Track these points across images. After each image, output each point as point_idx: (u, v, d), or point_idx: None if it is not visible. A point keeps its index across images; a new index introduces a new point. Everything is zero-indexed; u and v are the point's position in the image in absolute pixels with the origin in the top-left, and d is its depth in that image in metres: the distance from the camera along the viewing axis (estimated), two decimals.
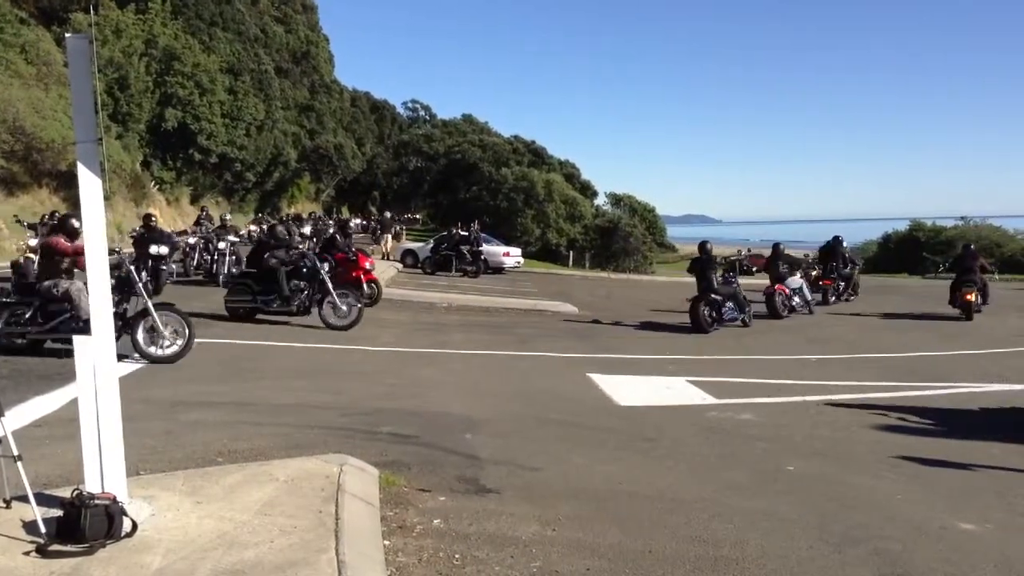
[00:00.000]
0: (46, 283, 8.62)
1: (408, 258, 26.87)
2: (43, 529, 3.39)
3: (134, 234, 16.17)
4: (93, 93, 3.72)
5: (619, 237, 42.53)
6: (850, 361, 10.85)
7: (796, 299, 15.86)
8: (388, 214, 37.95)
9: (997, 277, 22.32)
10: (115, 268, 8.47)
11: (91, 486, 3.65)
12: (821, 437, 6.57)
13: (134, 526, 3.53)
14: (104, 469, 3.71)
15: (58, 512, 3.46)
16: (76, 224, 8.93)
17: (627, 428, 6.63)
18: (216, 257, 17.75)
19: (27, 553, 3.30)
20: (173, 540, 3.50)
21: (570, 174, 56.49)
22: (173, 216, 38.17)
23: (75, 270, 8.76)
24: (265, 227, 21.83)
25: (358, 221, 55.20)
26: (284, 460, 4.85)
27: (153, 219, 16.26)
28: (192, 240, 18.93)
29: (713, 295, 13.32)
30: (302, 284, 11.96)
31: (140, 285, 8.66)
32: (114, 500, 3.52)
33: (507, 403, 7.47)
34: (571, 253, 41.29)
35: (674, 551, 3.95)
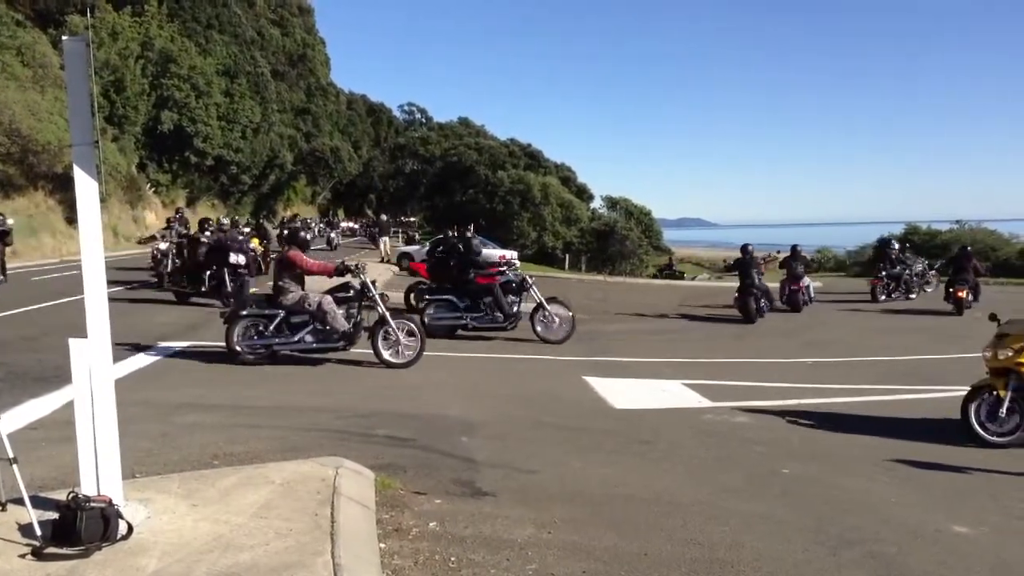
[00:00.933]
0: (291, 295, 8.96)
1: (404, 260, 26.89)
2: (39, 532, 3.39)
3: (206, 240, 15.20)
4: (89, 95, 3.72)
5: (615, 240, 42.56)
6: (846, 364, 10.87)
7: (805, 296, 17.80)
8: (384, 217, 37.99)
9: (991, 281, 22.46)
10: (350, 274, 9.29)
11: (87, 489, 3.65)
12: (816, 440, 6.59)
13: (130, 529, 3.52)
14: (100, 472, 3.71)
15: (54, 515, 3.46)
16: (307, 236, 9.63)
17: (623, 431, 6.63)
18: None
19: (23, 556, 3.30)
20: (169, 543, 3.50)
21: (566, 177, 56.51)
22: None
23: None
24: (246, 230, 21.29)
25: (348, 224, 55.13)
26: (280, 463, 4.85)
27: (210, 224, 15.86)
28: (163, 246, 17.07)
29: (755, 290, 15.38)
30: (519, 299, 11.98)
31: (378, 295, 9.17)
32: (110, 503, 3.51)
33: (503, 406, 7.47)
34: (567, 256, 41.29)
35: (670, 554, 3.96)
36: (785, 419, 7.27)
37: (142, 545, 3.46)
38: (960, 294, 16.51)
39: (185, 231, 19.27)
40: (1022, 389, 6.37)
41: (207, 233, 15.65)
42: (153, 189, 40.33)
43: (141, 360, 8.87)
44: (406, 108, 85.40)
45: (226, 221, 22.64)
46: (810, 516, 4.62)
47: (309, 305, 8.91)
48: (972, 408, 6.47)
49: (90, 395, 3.70)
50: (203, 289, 13.96)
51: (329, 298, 9.03)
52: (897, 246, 20.57)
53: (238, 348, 8.95)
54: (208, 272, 13.94)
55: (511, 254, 29.31)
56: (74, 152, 3.69)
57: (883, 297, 19.05)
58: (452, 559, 3.77)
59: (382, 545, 3.86)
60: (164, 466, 4.89)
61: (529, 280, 12.13)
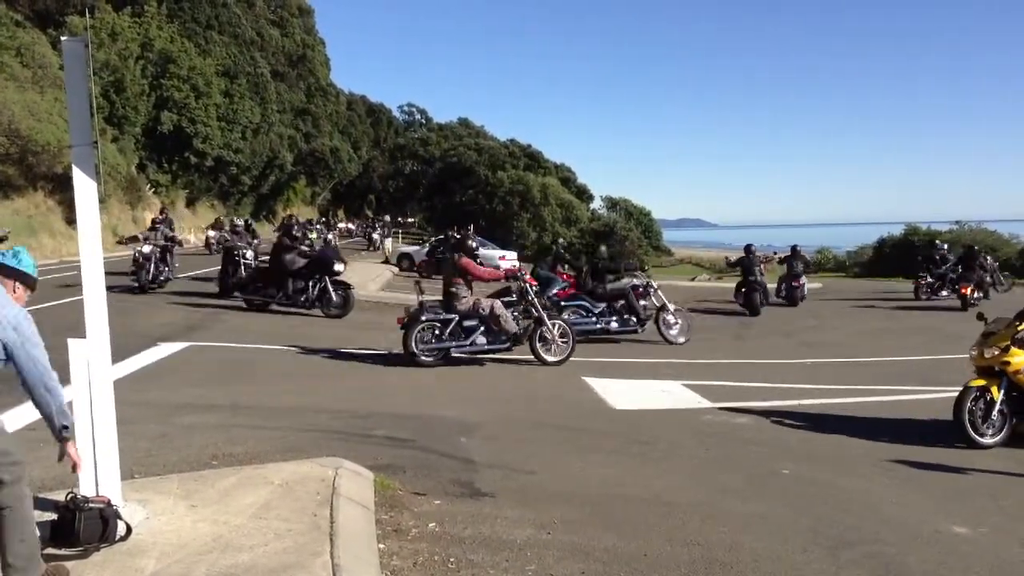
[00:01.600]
0: (464, 300, 9.44)
1: (404, 261, 26.91)
2: (37, 532, 3.38)
3: (307, 249, 14.92)
4: (89, 96, 3.72)
5: (615, 241, 42.59)
6: (845, 365, 10.87)
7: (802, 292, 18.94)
8: (387, 218, 38.14)
9: (990, 279, 22.64)
10: (514, 281, 10.28)
11: (85, 489, 3.65)
12: (815, 441, 6.59)
13: (128, 529, 3.52)
14: (98, 472, 3.71)
15: (52, 516, 3.46)
16: (475, 244, 10.12)
17: (622, 432, 6.63)
18: (242, 269, 15.66)
19: None
20: (167, 543, 3.50)
21: (566, 178, 56.55)
22: None
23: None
24: (221, 233, 20.83)
25: (344, 225, 55.18)
26: (279, 463, 4.85)
27: (298, 228, 15.77)
28: (146, 249, 16.00)
29: (757, 285, 16.46)
30: (647, 303, 12.31)
31: (535, 299, 9.98)
32: (108, 503, 3.51)
33: (502, 407, 7.47)
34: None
35: (669, 554, 3.96)
36: (784, 420, 7.27)
37: (141, 546, 3.46)
38: (964, 290, 17.28)
39: (172, 232, 18.37)
40: (1010, 389, 6.37)
41: (307, 240, 15.47)
42: (153, 190, 40.29)
43: (140, 360, 8.86)
44: (406, 109, 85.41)
45: (240, 223, 22.30)
46: (809, 517, 4.62)
47: (482, 310, 9.45)
48: (966, 410, 6.41)
49: (89, 395, 3.70)
50: (303, 299, 13.63)
51: (499, 303, 9.59)
52: (946, 247, 20.99)
53: (415, 351, 9.28)
54: (310, 282, 13.76)
55: (511, 255, 29.31)
56: (73, 153, 3.69)
57: (924, 297, 19.44)
58: (451, 560, 3.77)
59: (381, 546, 3.86)
60: (163, 467, 4.89)
61: (653, 284, 12.42)
